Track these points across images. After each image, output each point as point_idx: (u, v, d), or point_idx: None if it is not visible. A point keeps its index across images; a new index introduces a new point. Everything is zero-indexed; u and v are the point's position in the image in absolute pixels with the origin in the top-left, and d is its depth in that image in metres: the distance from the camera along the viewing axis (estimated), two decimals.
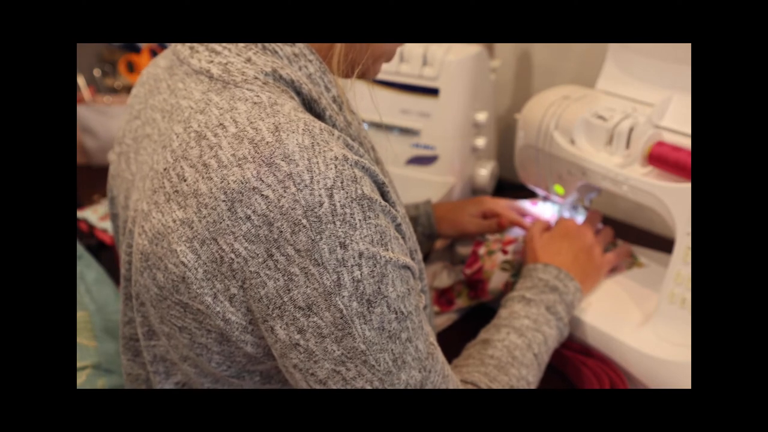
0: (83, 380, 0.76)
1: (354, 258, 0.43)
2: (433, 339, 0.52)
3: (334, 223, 0.43)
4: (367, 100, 0.99)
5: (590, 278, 0.77)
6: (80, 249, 0.93)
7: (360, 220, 0.44)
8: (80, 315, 0.84)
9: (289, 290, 0.44)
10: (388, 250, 0.46)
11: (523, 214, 0.91)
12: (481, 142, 1.02)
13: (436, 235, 0.91)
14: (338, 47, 0.53)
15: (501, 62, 1.13)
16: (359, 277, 0.44)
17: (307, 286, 0.44)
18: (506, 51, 1.15)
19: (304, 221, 0.42)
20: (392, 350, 0.47)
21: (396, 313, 0.46)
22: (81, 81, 1.32)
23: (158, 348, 0.57)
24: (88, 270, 0.90)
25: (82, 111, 1.28)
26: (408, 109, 0.99)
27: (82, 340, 0.81)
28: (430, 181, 1.00)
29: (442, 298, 0.87)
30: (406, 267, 0.48)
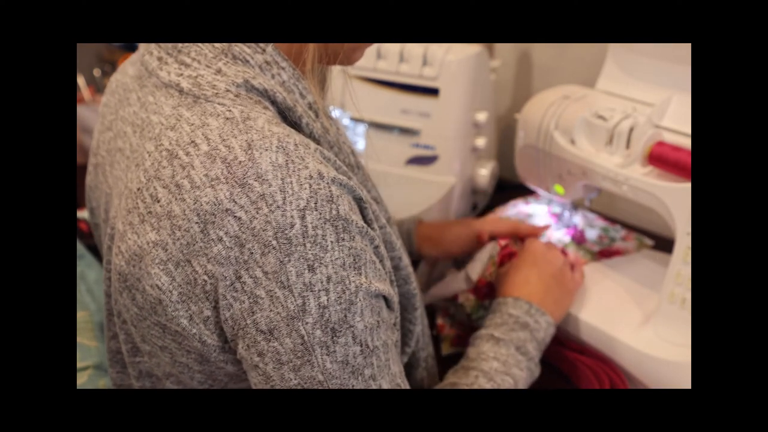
0: (84, 380, 0.76)
1: (322, 282, 0.42)
2: (400, 380, 0.50)
3: (304, 245, 0.41)
4: (366, 100, 0.99)
5: (563, 305, 0.74)
6: (81, 249, 0.94)
7: (332, 242, 0.42)
8: (81, 315, 0.84)
9: (252, 313, 0.43)
10: (360, 274, 0.44)
11: (515, 231, 0.84)
12: (481, 142, 1.02)
13: (415, 255, 0.86)
14: (311, 47, 0.50)
15: (501, 62, 1.13)
16: (325, 303, 0.42)
17: (270, 310, 0.43)
18: (506, 51, 1.15)
19: (273, 242, 0.41)
20: (353, 386, 0.45)
21: (361, 346, 0.45)
22: (81, 81, 1.32)
23: (143, 364, 0.57)
24: (89, 270, 0.90)
25: (82, 111, 1.28)
26: (408, 109, 0.99)
27: (84, 340, 0.81)
28: (430, 181, 1.00)
29: (483, 289, 0.80)
30: (380, 295, 0.46)
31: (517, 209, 0.98)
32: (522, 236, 0.82)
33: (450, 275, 0.85)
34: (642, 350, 0.71)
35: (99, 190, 0.60)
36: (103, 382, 0.77)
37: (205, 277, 0.43)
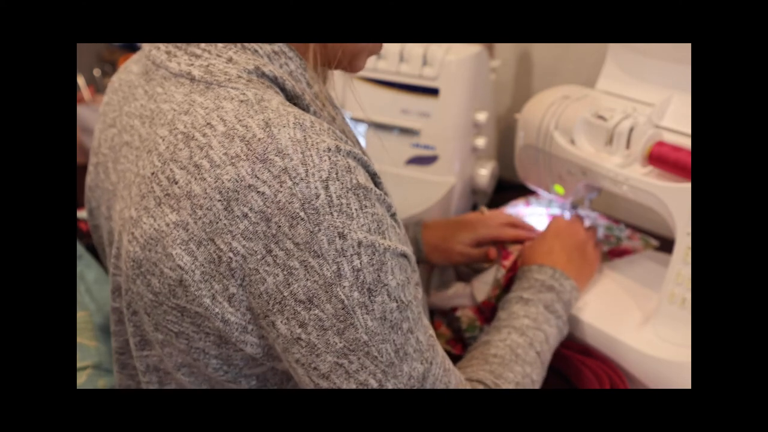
0: (84, 380, 0.76)
1: (353, 247, 0.44)
2: (432, 332, 0.52)
3: (331, 214, 0.43)
4: (366, 100, 0.99)
5: (585, 275, 0.77)
6: (80, 249, 0.93)
7: (356, 209, 0.44)
8: (81, 315, 0.84)
9: (289, 284, 0.44)
10: (385, 238, 0.46)
11: (519, 226, 0.86)
12: (481, 142, 1.02)
13: (423, 262, 0.87)
14: (312, 46, 0.52)
15: (501, 62, 1.13)
16: (359, 266, 0.44)
17: (307, 279, 0.44)
18: (506, 51, 1.15)
19: (301, 214, 0.42)
20: (394, 341, 0.47)
21: (397, 302, 0.46)
22: (81, 81, 1.32)
23: (151, 358, 0.57)
24: (88, 270, 0.90)
25: (82, 111, 1.28)
26: (408, 109, 0.99)
27: (83, 340, 0.81)
28: (430, 181, 1.00)
29: (487, 312, 0.80)
30: (404, 255, 0.48)
31: (517, 209, 0.98)
32: (522, 241, 0.83)
33: (453, 288, 0.86)
34: (642, 350, 0.71)
35: (100, 189, 0.60)
36: (103, 382, 0.77)
37: (231, 255, 0.44)
